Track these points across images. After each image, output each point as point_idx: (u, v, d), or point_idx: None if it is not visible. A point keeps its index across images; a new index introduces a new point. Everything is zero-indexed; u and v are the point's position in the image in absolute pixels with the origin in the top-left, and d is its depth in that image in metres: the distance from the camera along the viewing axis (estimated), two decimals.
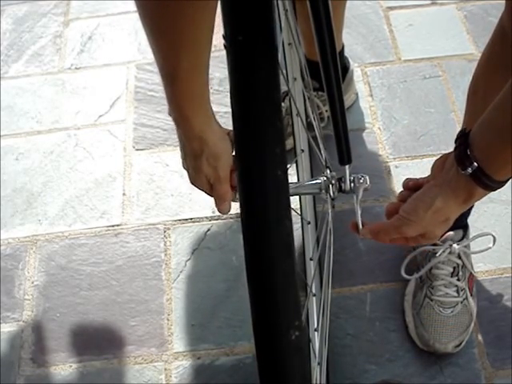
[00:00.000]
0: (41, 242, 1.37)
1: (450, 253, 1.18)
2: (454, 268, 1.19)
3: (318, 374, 1.02)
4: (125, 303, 1.28)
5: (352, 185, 0.84)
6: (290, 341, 0.58)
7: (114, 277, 1.31)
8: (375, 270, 1.28)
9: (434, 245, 1.18)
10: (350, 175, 0.83)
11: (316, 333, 1.12)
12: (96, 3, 1.81)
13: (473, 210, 1.24)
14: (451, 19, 1.68)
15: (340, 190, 0.85)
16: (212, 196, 0.81)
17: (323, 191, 0.86)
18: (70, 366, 1.21)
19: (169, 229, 1.37)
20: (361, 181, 0.84)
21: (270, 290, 0.58)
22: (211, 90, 1.56)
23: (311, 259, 1.20)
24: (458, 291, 1.18)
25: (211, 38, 0.65)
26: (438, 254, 1.18)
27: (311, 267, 1.20)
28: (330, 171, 0.88)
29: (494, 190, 0.70)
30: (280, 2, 0.98)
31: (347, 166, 0.82)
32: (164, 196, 1.42)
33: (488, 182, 0.68)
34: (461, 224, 1.21)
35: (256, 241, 0.58)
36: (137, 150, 1.50)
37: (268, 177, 0.58)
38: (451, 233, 1.19)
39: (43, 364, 1.21)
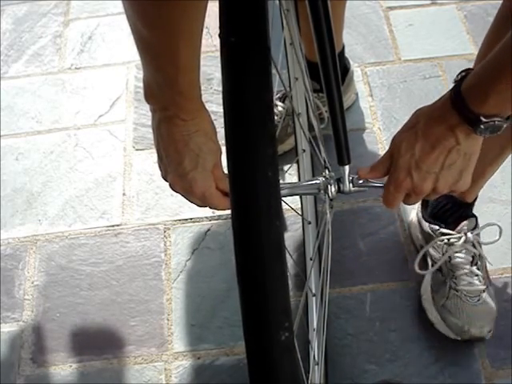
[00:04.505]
0: (41, 242, 1.37)
1: (465, 241, 1.18)
2: (473, 257, 1.18)
3: (316, 374, 1.02)
4: (125, 303, 1.28)
5: (351, 185, 0.84)
6: (279, 342, 0.58)
7: (114, 277, 1.32)
8: (375, 270, 1.28)
9: (448, 234, 1.19)
10: (349, 175, 0.83)
11: (315, 333, 1.12)
12: (96, 3, 1.81)
13: (473, 209, 1.24)
14: (451, 19, 1.68)
15: (339, 190, 0.85)
16: (191, 201, 0.81)
17: (321, 191, 0.86)
18: (70, 366, 1.21)
19: (169, 229, 1.37)
20: (360, 181, 0.84)
21: (259, 290, 0.58)
22: (211, 90, 1.56)
23: (311, 259, 1.20)
24: (480, 280, 1.17)
25: (201, 34, 0.67)
26: (454, 242, 1.18)
27: (311, 267, 1.20)
28: (329, 171, 0.88)
29: (475, 127, 0.71)
30: (282, 2, 0.98)
31: (346, 167, 0.82)
32: (164, 196, 1.42)
33: (464, 110, 0.70)
34: (471, 213, 1.21)
35: (246, 241, 0.58)
36: (137, 150, 1.50)
37: (258, 178, 0.58)
38: (466, 221, 1.19)
39: (43, 364, 1.22)
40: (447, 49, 1.62)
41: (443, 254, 1.19)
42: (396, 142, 0.78)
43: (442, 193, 0.79)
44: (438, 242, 1.20)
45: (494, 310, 1.16)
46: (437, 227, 1.22)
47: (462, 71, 0.74)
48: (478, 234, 1.20)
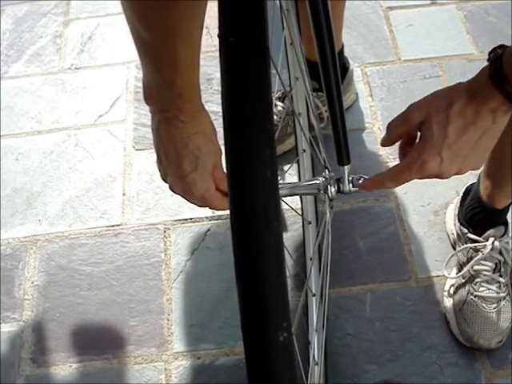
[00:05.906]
0: (41, 242, 1.37)
1: (492, 249, 1.18)
2: (496, 264, 1.18)
3: (316, 374, 1.02)
4: (125, 303, 1.28)
5: (351, 185, 0.84)
6: (278, 342, 0.58)
7: (114, 277, 1.32)
8: (375, 270, 1.28)
9: (476, 242, 1.19)
10: (348, 176, 0.83)
11: (315, 333, 1.12)
12: (96, 3, 1.81)
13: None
14: (451, 19, 1.68)
15: (339, 190, 0.85)
16: (191, 202, 0.81)
17: (321, 192, 0.86)
18: (70, 366, 1.21)
19: (169, 229, 1.37)
20: (360, 181, 0.84)
21: (258, 291, 0.58)
22: (211, 90, 1.56)
23: (311, 259, 1.20)
24: (500, 287, 1.18)
25: (201, 35, 0.67)
26: (481, 251, 1.18)
27: (311, 267, 1.20)
28: (329, 171, 0.88)
29: None
30: (282, 2, 0.98)
31: (346, 167, 0.82)
32: (164, 196, 1.42)
33: (510, 90, 0.66)
34: (501, 221, 1.21)
35: (245, 242, 0.58)
36: (137, 149, 1.50)
37: (257, 178, 0.58)
38: (492, 230, 1.19)
39: (43, 364, 1.22)
40: (447, 49, 1.62)
41: (468, 260, 1.20)
42: (425, 122, 0.76)
43: (462, 174, 0.76)
44: (465, 246, 1.21)
45: (508, 321, 1.16)
46: (465, 230, 1.22)
47: (495, 48, 0.69)
48: (507, 242, 1.20)
